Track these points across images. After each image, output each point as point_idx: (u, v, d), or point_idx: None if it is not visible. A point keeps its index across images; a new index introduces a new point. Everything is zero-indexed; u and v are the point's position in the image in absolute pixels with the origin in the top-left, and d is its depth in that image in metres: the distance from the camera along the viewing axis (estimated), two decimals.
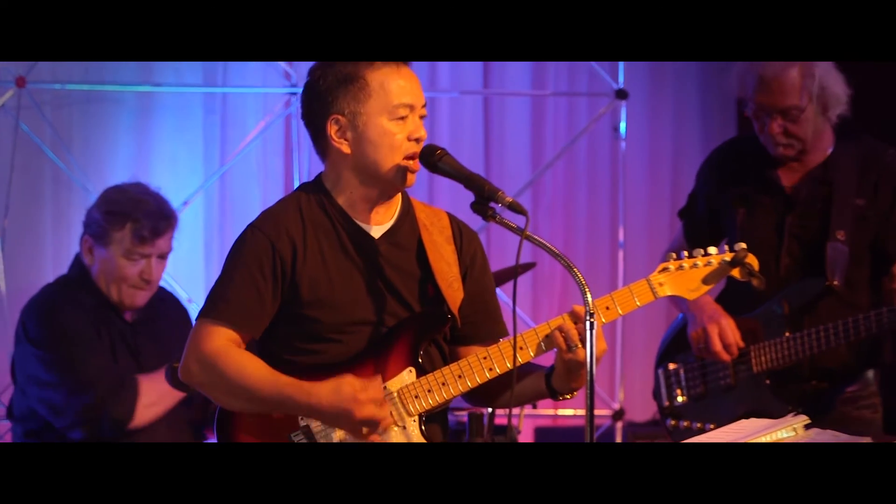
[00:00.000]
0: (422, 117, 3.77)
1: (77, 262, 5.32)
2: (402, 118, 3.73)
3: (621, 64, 7.38)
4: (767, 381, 4.87)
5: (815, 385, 4.86)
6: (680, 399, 5.05)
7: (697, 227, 5.10)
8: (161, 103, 7.07)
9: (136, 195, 5.28)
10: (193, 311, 5.88)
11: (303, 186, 3.90)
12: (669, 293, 3.78)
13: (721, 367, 4.95)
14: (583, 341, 3.56)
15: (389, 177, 3.75)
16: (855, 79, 4.86)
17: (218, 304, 3.75)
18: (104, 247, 5.22)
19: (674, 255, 3.81)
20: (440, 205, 4.29)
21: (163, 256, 5.31)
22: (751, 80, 4.82)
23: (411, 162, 3.74)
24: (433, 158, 3.71)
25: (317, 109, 3.79)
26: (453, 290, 3.83)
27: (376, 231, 3.82)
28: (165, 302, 5.50)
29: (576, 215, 7.77)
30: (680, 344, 5.05)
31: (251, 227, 3.80)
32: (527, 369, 3.82)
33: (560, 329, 3.67)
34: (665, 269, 3.79)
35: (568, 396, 3.76)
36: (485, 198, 3.66)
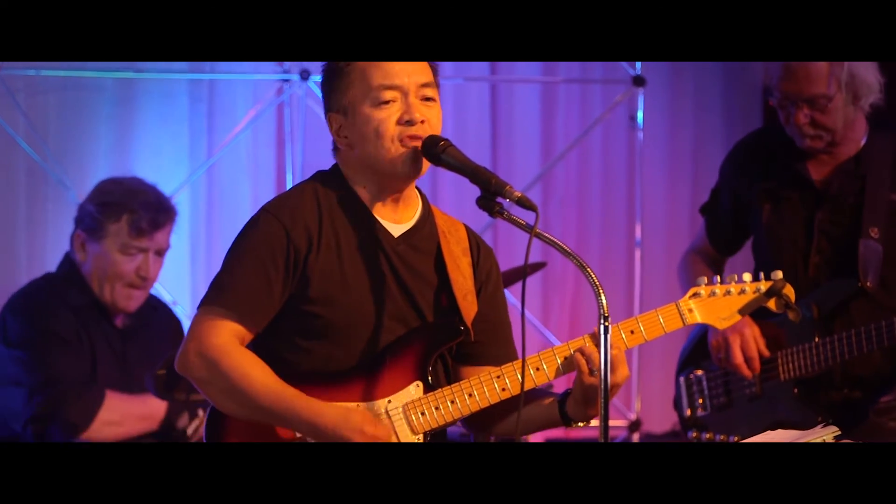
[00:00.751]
0: (426, 98, 3.72)
1: (66, 260, 5.33)
2: (387, 102, 3.69)
3: None
4: (796, 390, 4.88)
5: (847, 394, 4.87)
6: (702, 409, 5.06)
7: (720, 225, 5.12)
8: (144, 91, 7.06)
9: (132, 186, 5.32)
10: (179, 314, 5.91)
11: (319, 174, 3.85)
12: (699, 321, 3.80)
13: None
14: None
15: (389, 169, 3.71)
16: (889, 67, 4.86)
17: (223, 293, 3.69)
18: (98, 241, 5.24)
19: (705, 280, 3.83)
20: (443, 200, 4.31)
21: (160, 253, 5.33)
22: (775, 66, 4.82)
23: (409, 146, 3.67)
24: (436, 150, 3.68)
25: (324, 110, 3.80)
26: (468, 302, 3.81)
27: (396, 229, 3.79)
28: (158, 311, 5.52)
29: (589, 211, 7.76)
30: (703, 350, 5.05)
31: (264, 210, 3.75)
32: (537, 394, 3.80)
33: (581, 351, 3.66)
34: (696, 295, 3.81)
35: (581, 424, 3.74)
36: (492, 192, 3.64)
